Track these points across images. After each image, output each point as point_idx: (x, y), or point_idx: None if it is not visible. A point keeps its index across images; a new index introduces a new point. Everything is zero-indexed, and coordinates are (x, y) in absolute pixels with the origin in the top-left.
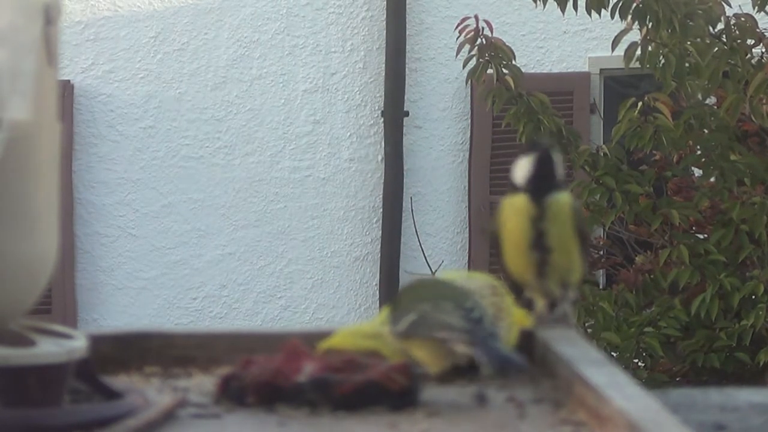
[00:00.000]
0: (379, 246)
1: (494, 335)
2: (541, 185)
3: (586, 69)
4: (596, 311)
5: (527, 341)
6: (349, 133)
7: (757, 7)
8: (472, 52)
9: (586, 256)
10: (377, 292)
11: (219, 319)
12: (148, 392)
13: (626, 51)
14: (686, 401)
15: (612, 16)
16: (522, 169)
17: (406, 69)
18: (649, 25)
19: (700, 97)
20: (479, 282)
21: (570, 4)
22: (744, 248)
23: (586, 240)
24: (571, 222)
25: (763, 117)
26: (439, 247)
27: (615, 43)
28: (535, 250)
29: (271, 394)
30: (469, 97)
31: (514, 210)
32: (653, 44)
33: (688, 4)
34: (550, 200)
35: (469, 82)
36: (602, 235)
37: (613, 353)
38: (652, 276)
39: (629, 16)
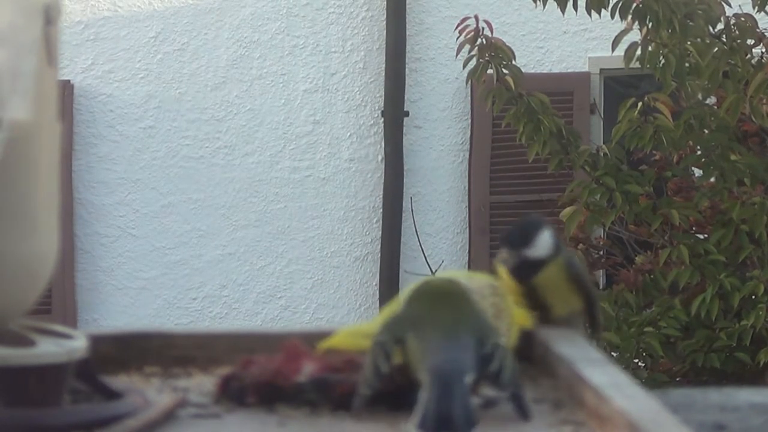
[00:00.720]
0: (379, 246)
1: (517, 385)
2: (522, 272)
3: (586, 69)
4: None
5: (527, 341)
6: (349, 133)
7: (757, 7)
8: (472, 53)
9: (589, 293)
10: (377, 292)
11: (219, 319)
12: (148, 392)
13: (626, 51)
14: (686, 401)
15: (612, 16)
16: (505, 255)
17: (406, 69)
18: (649, 25)
19: (700, 97)
20: (479, 282)
21: (570, 4)
22: (744, 248)
23: (582, 284)
24: (564, 282)
25: (763, 117)
26: (439, 247)
27: (615, 43)
28: (536, 308)
29: (271, 394)
30: (469, 97)
31: (506, 284)
32: (653, 44)
33: (688, 4)
34: (535, 279)
35: (469, 82)
36: (602, 235)
37: (613, 353)
38: (652, 276)
39: (629, 16)
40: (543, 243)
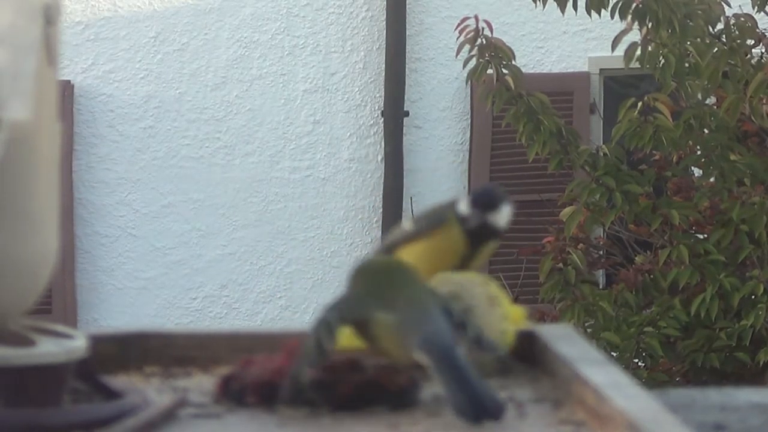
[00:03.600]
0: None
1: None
2: (477, 236)
3: (586, 69)
4: (596, 311)
5: (527, 341)
6: (349, 133)
7: (757, 7)
8: (472, 53)
9: None
10: None
11: (219, 319)
12: (148, 392)
13: (626, 51)
14: (686, 401)
15: (612, 16)
16: (469, 212)
17: (406, 69)
18: (649, 25)
19: (700, 97)
20: (469, 274)
21: (570, 4)
22: (744, 248)
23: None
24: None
25: (763, 117)
26: None
27: (615, 43)
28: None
29: (271, 394)
30: (469, 97)
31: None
32: (653, 44)
33: (688, 4)
34: (482, 247)
35: (469, 82)
36: (602, 235)
37: (613, 353)
38: (652, 276)
39: (629, 16)
40: (505, 214)
